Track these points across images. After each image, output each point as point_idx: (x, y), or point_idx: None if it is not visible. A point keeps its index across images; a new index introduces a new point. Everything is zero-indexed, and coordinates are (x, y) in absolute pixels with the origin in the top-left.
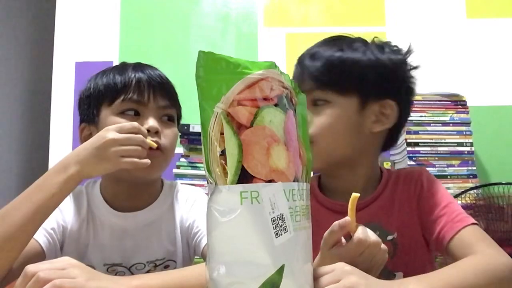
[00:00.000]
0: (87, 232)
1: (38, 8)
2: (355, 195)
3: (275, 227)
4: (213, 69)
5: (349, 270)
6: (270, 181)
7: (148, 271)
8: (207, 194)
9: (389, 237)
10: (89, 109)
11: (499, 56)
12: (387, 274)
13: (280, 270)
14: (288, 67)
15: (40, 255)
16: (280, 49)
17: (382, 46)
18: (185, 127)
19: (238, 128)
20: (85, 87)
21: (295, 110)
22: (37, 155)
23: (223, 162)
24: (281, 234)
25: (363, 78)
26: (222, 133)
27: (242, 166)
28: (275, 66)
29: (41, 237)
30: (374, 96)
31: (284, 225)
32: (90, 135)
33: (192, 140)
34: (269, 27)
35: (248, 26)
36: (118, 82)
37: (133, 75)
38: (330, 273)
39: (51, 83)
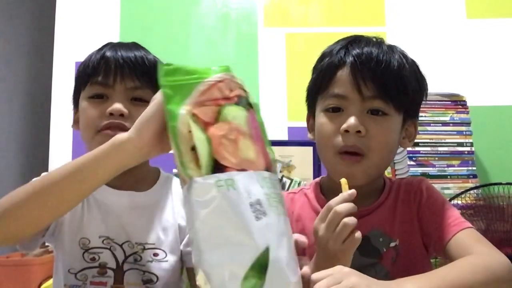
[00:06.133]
0: (82, 207)
1: (38, 8)
2: (344, 180)
3: (254, 211)
4: (174, 77)
5: (348, 271)
6: (242, 170)
7: (136, 252)
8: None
9: (392, 244)
10: (74, 93)
11: (499, 56)
12: (388, 280)
13: (266, 251)
14: (288, 67)
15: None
16: (280, 49)
17: (416, 64)
18: None
19: (205, 125)
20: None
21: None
22: (37, 155)
23: (195, 157)
24: (261, 218)
25: (414, 97)
26: (190, 131)
27: (214, 159)
28: (230, 69)
29: None
30: (412, 114)
31: (263, 209)
32: (78, 120)
33: None
34: (269, 27)
35: (248, 26)
36: (90, 65)
37: (103, 56)
38: (330, 275)
39: (51, 83)
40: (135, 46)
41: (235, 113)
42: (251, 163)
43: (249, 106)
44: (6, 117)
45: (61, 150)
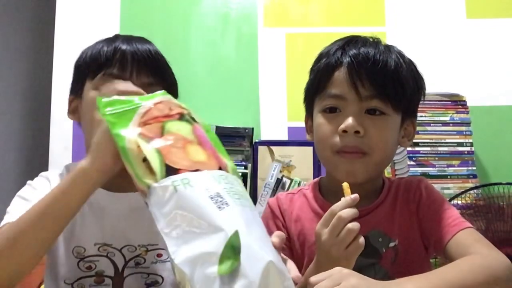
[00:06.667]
0: None
1: (38, 8)
2: (346, 184)
3: (215, 202)
4: (114, 107)
5: (348, 272)
6: (196, 170)
7: (139, 255)
8: None
9: (391, 244)
10: (77, 80)
11: (499, 56)
12: (387, 280)
13: (236, 234)
14: (288, 67)
15: None
16: (280, 49)
17: (413, 63)
18: None
19: (151, 140)
20: (78, 57)
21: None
22: (37, 155)
23: (148, 167)
24: (224, 207)
25: (412, 96)
26: (138, 146)
27: (167, 165)
28: (166, 93)
29: None
30: (410, 113)
31: (224, 201)
32: (76, 109)
33: None
34: (269, 27)
35: (248, 26)
36: (102, 55)
37: (118, 48)
38: (329, 277)
39: (51, 83)
40: (145, 40)
41: (178, 126)
42: (203, 164)
43: (194, 121)
44: (6, 117)
45: (61, 150)
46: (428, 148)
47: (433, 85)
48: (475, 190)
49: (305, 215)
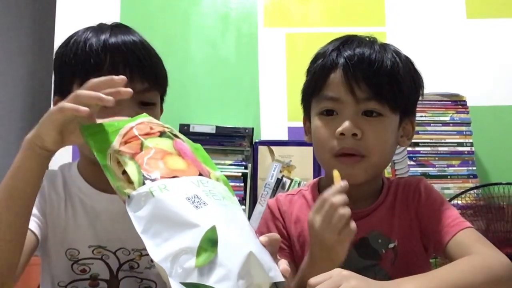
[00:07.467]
0: (66, 214)
1: (38, 8)
2: (337, 172)
3: (192, 202)
4: (95, 132)
5: (348, 274)
6: (174, 177)
7: (133, 259)
8: None
9: (391, 245)
10: (62, 81)
11: (499, 56)
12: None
13: (213, 228)
14: (288, 67)
15: (35, 243)
16: (280, 49)
17: (411, 61)
18: (185, 127)
19: (131, 156)
20: (60, 49)
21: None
22: None
23: (128, 178)
24: (201, 207)
25: (409, 95)
26: (118, 162)
27: (144, 174)
28: (147, 116)
29: (32, 223)
30: (408, 113)
31: (202, 201)
32: None
33: (193, 140)
34: (269, 27)
35: (248, 26)
36: (89, 61)
37: (106, 45)
38: (329, 279)
39: (51, 83)
40: (131, 31)
41: (158, 141)
42: (182, 171)
43: (176, 137)
44: (6, 117)
45: (60, 150)
46: (428, 148)
47: (433, 85)
48: (475, 190)
49: (304, 216)
